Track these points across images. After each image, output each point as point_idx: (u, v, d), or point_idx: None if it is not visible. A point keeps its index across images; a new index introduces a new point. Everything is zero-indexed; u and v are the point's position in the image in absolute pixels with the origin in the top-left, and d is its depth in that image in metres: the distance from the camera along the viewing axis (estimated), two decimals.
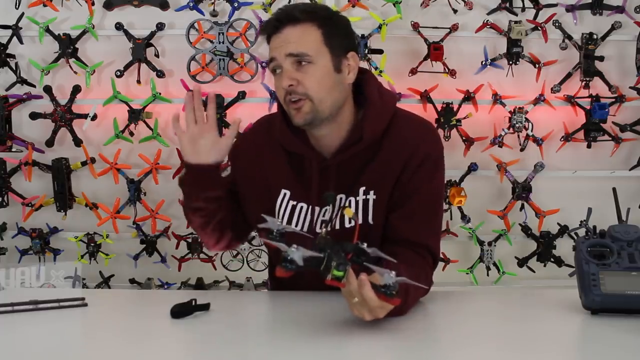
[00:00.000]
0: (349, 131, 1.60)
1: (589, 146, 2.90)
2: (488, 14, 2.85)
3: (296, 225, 1.62)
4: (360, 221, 1.57)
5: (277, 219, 1.31)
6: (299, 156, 1.63)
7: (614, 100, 2.87)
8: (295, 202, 1.62)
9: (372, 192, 1.59)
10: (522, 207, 2.90)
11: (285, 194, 1.64)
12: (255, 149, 1.70)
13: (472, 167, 2.87)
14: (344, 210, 1.42)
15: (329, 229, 1.39)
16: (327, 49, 1.56)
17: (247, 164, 1.70)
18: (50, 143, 2.83)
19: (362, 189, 1.59)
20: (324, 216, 1.61)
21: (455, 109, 2.83)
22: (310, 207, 1.61)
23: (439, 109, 2.83)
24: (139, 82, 2.83)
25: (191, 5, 2.79)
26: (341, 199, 1.60)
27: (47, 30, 2.77)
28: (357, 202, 1.59)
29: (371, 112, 1.60)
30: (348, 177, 1.60)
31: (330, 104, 1.56)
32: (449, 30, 2.83)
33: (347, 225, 1.60)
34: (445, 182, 2.80)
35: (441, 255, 2.87)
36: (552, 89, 2.88)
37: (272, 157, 1.66)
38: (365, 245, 1.30)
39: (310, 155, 1.61)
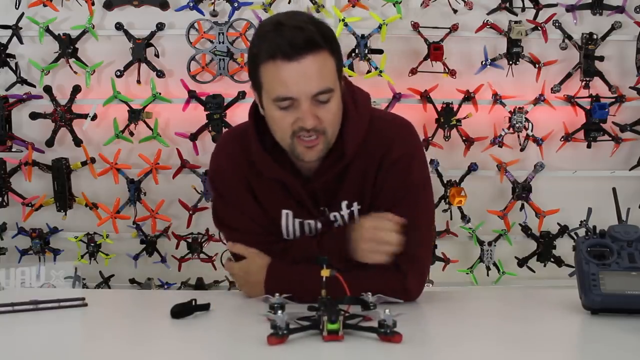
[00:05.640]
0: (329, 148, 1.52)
1: (589, 146, 2.90)
2: (488, 14, 2.85)
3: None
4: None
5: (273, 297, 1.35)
6: (280, 180, 1.56)
7: (614, 100, 2.87)
8: (301, 220, 1.58)
9: (355, 204, 1.56)
10: (522, 207, 2.89)
11: (287, 214, 1.58)
12: (240, 176, 1.58)
13: (472, 167, 2.87)
14: (322, 272, 1.29)
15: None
16: (338, 78, 1.45)
17: (238, 190, 1.59)
18: (50, 143, 2.83)
19: (344, 203, 1.56)
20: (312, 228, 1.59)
21: (455, 109, 2.83)
22: (315, 222, 1.58)
23: (439, 109, 2.83)
24: (139, 82, 2.83)
25: (191, 5, 2.79)
26: (324, 210, 1.57)
27: (47, 30, 2.77)
28: (342, 217, 1.57)
29: (350, 129, 1.50)
30: (332, 191, 1.56)
31: (336, 133, 1.49)
32: (449, 30, 2.83)
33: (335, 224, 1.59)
34: (445, 182, 2.85)
35: (441, 255, 2.88)
36: (552, 89, 2.88)
37: (257, 178, 1.57)
38: (369, 294, 1.34)
39: (293, 181, 1.54)
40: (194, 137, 2.82)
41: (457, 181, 2.87)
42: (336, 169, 1.52)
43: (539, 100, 2.86)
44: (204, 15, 2.81)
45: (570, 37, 2.85)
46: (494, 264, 2.92)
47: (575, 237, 1.50)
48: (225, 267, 1.68)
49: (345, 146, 1.50)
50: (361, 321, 1.30)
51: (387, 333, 1.23)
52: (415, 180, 1.55)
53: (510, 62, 2.85)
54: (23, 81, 2.82)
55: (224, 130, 2.77)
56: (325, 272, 1.29)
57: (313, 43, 1.39)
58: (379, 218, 1.48)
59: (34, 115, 2.80)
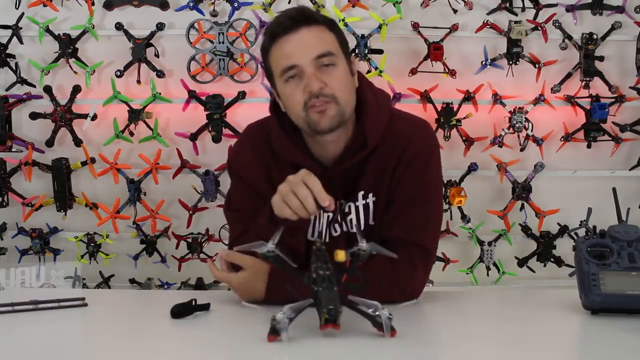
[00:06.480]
0: (350, 137, 1.58)
1: (589, 146, 2.90)
2: (488, 14, 2.85)
3: (304, 234, 1.59)
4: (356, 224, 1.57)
5: (267, 243, 1.30)
6: (300, 166, 1.58)
7: (614, 100, 2.87)
8: None
9: (371, 195, 1.59)
10: (522, 207, 2.89)
11: None
12: (262, 163, 1.63)
13: (472, 167, 2.87)
14: (339, 255, 1.28)
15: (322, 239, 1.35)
16: (341, 50, 1.53)
17: (257, 180, 1.63)
18: (50, 143, 2.83)
19: (360, 194, 1.59)
20: (329, 219, 1.60)
21: (455, 109, 2.83)
22: (316, 215, 1.58)
23: (439, 109, 2.83)
24: (139, 82, 2.83)
25: (191, 5, 2.79)
26: (342, 203, 1.59)
27: (47, 30, 2.77)
28: (357, 208, 1.60)
29: (371, 118, 1.57)
30: (349, 182, 1.59)
31: (351, 106, 1.55)
32: (449, 30, 2.83)
33: (350, 230, 1.60)
34: (445, 182, 2.85)
35: (441, 255, 2.88)
36: (552, 89, 2.88)
37: (278, 167, 1.61)
38: (364, 243, 1.29)
39: (311, 165, 1.56)
40: (194, 137, 2.82)
41: (457, 181, 2.87)
42: (357, 159, 1.57)
43: (539, 100, 2.86)
44: (204, 15, 2.81)
45: (570, 37, 2.85)
46: (494, 264, 2.92)
47: (575, 237, 1.50)
48: (220, 278, 1.59)
49: (367, 135, 1.55)
50: (356, 287, 1.28)
51: (381, 325, 1.22)
52: (432, 178, 1.61)
53: (510, 62, 2.85)
54: (23, 81, 2.82)
55: (224, 130, 2.78)
56: (341, 256, 1.27)
57: (309, 16, 1.50)
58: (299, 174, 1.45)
59: (34, 115, 2.80)
